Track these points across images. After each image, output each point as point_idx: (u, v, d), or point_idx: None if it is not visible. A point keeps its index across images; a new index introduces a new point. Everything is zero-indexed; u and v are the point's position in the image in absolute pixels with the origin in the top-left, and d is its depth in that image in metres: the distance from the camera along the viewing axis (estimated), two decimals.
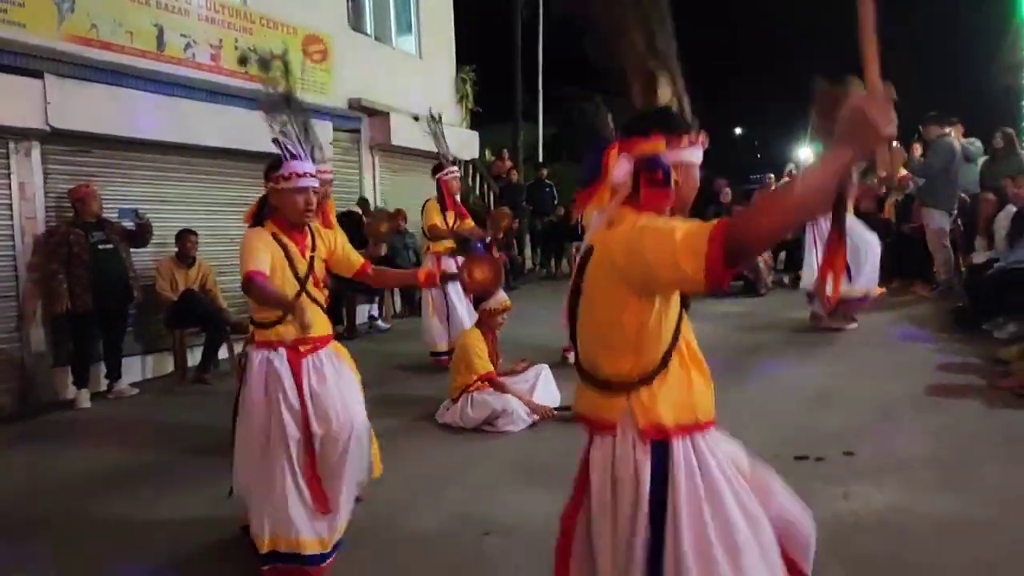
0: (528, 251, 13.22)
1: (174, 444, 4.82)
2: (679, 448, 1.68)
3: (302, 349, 3.01)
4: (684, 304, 1.78)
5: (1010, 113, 12.77)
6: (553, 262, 13.08)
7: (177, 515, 3.64)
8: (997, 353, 5.50)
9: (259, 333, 3.02)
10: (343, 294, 8.44)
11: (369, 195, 9.62)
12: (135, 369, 6.65)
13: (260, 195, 3.24)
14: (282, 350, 2.98)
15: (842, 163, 1.39)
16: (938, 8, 18.54)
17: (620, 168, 1.72)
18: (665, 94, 1.76)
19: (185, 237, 6.67)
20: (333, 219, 4.43)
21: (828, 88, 1.66)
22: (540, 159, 15.79)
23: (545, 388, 4.95)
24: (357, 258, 3.54)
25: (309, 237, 3.17)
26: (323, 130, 8.40)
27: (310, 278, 3.15)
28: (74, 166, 6.37)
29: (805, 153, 14.45)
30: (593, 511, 1.77)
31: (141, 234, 6.33)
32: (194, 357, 6.71)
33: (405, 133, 9.94)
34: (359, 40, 9.79)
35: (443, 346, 6.36)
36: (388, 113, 9.69)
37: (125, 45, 6.61)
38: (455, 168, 6.53)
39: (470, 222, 6.52)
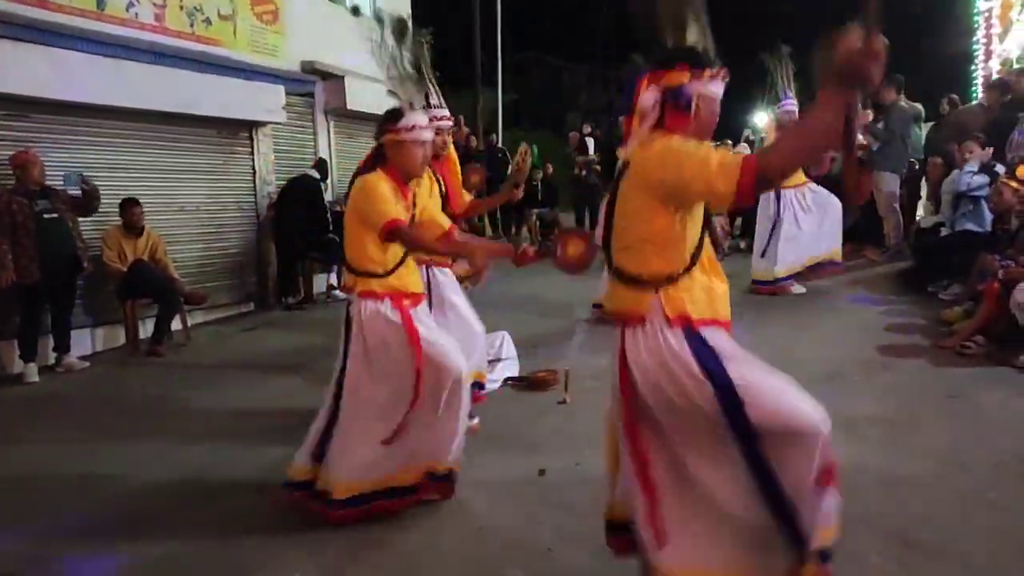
0: (487, 219, 13.15)
1: (127, 418, 4.72)
2: (710, 332, 1.95)
3: (406, 303, 3.03)
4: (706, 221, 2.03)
5: (957, 79, 13.06)
6: (513, 229, 13.04)
7: (131, 488, 3.58)
8: (941, 314, 5.71)
9: (366, 283, 3.00)
10: (299, 261, 8.33)
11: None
12: (85, 342, 6.46)
13: (372, 147, 3.19)
14: (388, 301, 2.99)
15: (839, 103, 1.64)
16: None
17: (648, 96, 1.95)
18: (693, 35, 1.96)
19: (129, 207, 6.45)
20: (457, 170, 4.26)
21: (830, 39, 1.76)
22: (499, 125, 15.65)
23: (507, 354, 4.96)
24: (444, 221, 3.48)
25: (411, 193, 3.16)
26: (275, 94, 8.18)
27: None
28: (12, 131, 6.07)
29: (761, 119, 14.62)
30: (642, 395, 1.96)
31: (87, 201, 6.09)
32: (146, 329, 6.56)
33: (361, 97, 9.71)
34: (311, 1, 9.48)
35: None
36: (343, 77, 9.45)
37: (63, 4, 6.28)
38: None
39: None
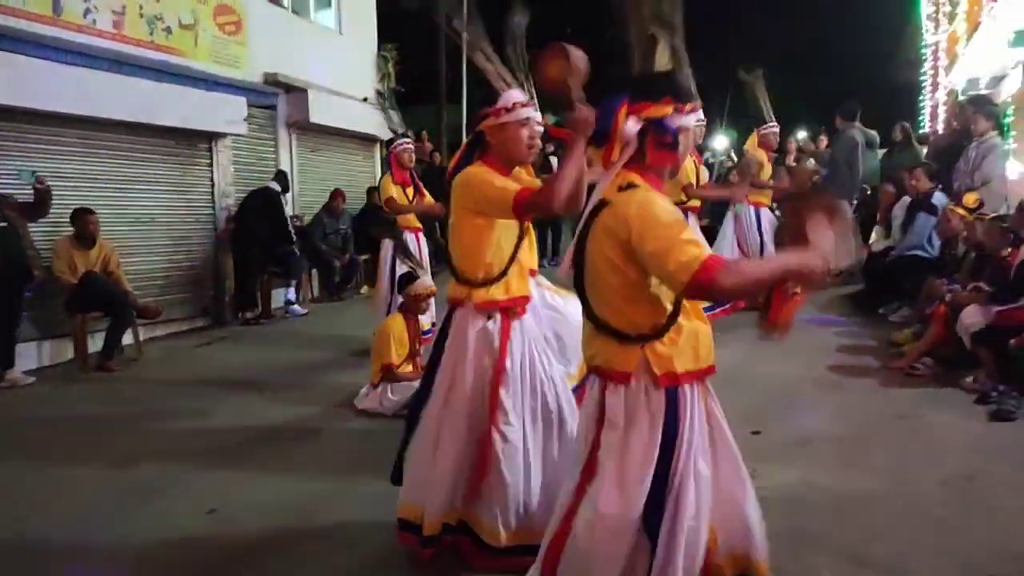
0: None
1: (70, 436, 4.56)
2: (687, 391, 1.88)
3: (509, 315, 2.71)
4: None
5: (908, 108, 13.56)
6: None
7: (74, 509, 3.45)
8: (891, 336, 5.87)
9: (470, 293, 2.67)
10: (258, 275, 8.19)
11: (287, 175, 9.28)
12: (31, 356, 6.24)
13: (468, 139, 2.92)
14: (496, 313, 2.68)
15: (784, 278, 1.78)
16: (840, 7, 19.55)
17: (630, 126, 1.85)
18: (663, 58, 1.90)
19: (83, 217, 6.27)
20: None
21: (796, 205, 1.91)
22: (463, 140, 15.67)
23: None
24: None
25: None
26: (236, 105, 8.08)
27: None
28: None
29: (720, 142, 14.93)
30: (603, 446, 1.90)
31: (39, 202, 5.87)
32: (96, 343, 6.36)
33: (324, 110, 9.66)
34: (275, 12, 9.42)
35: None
36: (306, 89, 9.39)
37: (17, 8, 6.13)
38: (407, 140, 6.11)
39: (429, 197, 6.09)
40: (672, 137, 1.85)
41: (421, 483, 2.72)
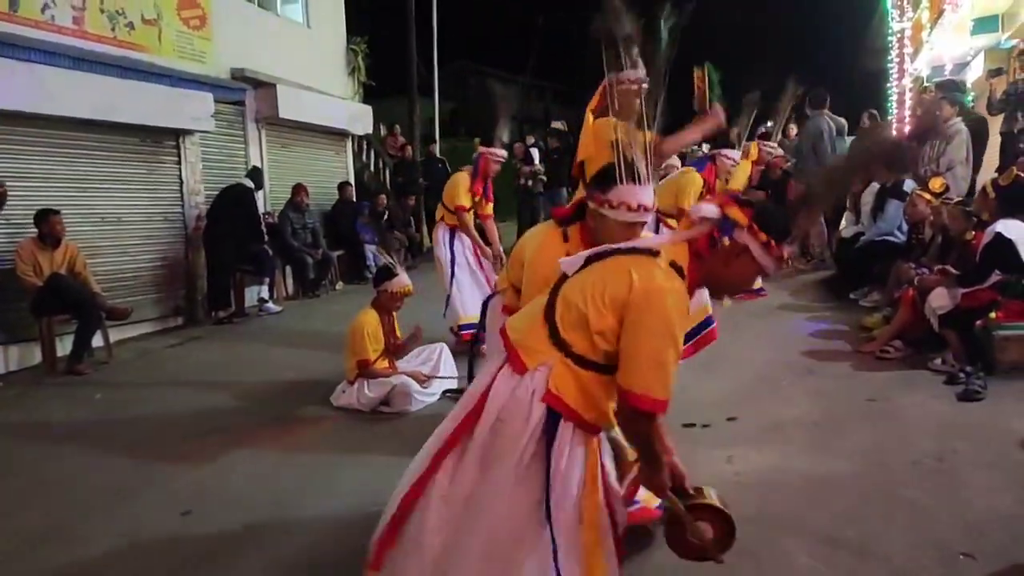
0: (425, 229, 13.04)
1: (38, 442, 4.47)
2: (568, 428, 1.85)
3: None
4: None
5: (876, 95, 13.73)
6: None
7: (45, 514, 3.39)
8: (862, 321, 5.96)
9: None
10: (231, 274, 8.08)
11: None
12: None
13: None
14: None
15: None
16: None
17: (710, 208, 1.85)
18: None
19: (49, 218, 6.12)
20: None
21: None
22: (436, 135, 15.58)
23: (446, 368, 4.93)
24: None
25: None
26: (202, 101, 7.95)
27: None
28: None
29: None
30: (475, 437, 1.92)
31: None
32: (64, 346, 6.23)
33: (294, 105, 9.54)
34: (241, 6, 9.25)
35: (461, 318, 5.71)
36: (275, 85, 9.26)
37: None
38: (503, 152, 5.71)
39: (490, 207, 5.85)
40: (729, 237, 1.82)
41: None
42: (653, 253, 1.83)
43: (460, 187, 5.62)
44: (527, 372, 1.86)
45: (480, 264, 5.82)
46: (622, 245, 1.93)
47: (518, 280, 2.66)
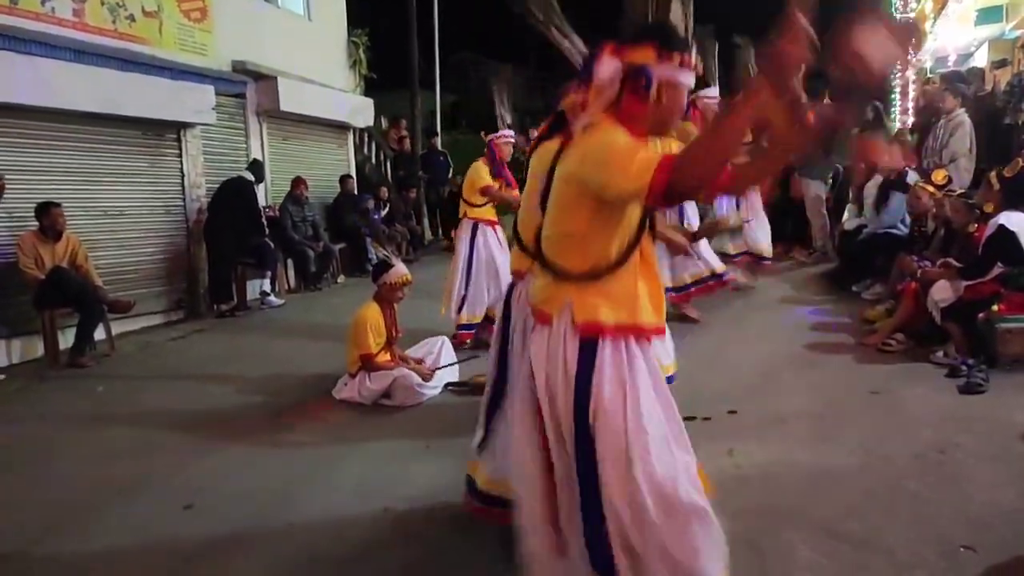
0: (426, 222, 13.05)
1: (42, 434, 4.48)
2: (606, 348, 1.81)
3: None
4: (650, 222, 1.91)
5: (879, 87, 13.67)
6: (453, 232, 12.93)
7: (47, 508, 3.40)
8: (864, 313, 5.95)
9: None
10: (232, 267, 8.09)
11: None
12: None
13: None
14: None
15: (752, 102, 1.55)
16: None
17: (606, 68, 1.76)
18: (677, 13, 1.81)
19: (50, 211, 6.12)
20: None
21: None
22: (438, 127, 15.55)
23: (447, 360, 4.94)
24: None
25: None
26: (203, 94, 7.93)
27: None
28: None
29: None
30: (521, 394, 1.92)
31: None
32: (67, 339, 6.24)
33: (295, 98, 9.52)
34: None
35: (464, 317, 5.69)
36: (275, 77, 9.24)
37: None
38: (510, 133, 5.67)
39: (516, 192, 5.67)
40: (646, 81, 1.74)
41: None
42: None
43: (480, 173, 5.57)
44: (553, 319, 1.86)
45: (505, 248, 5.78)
46: (554, 154, 1.92)
47: (522, 262, 2.68)
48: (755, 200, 7.04)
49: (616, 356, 1.82)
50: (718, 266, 6.15)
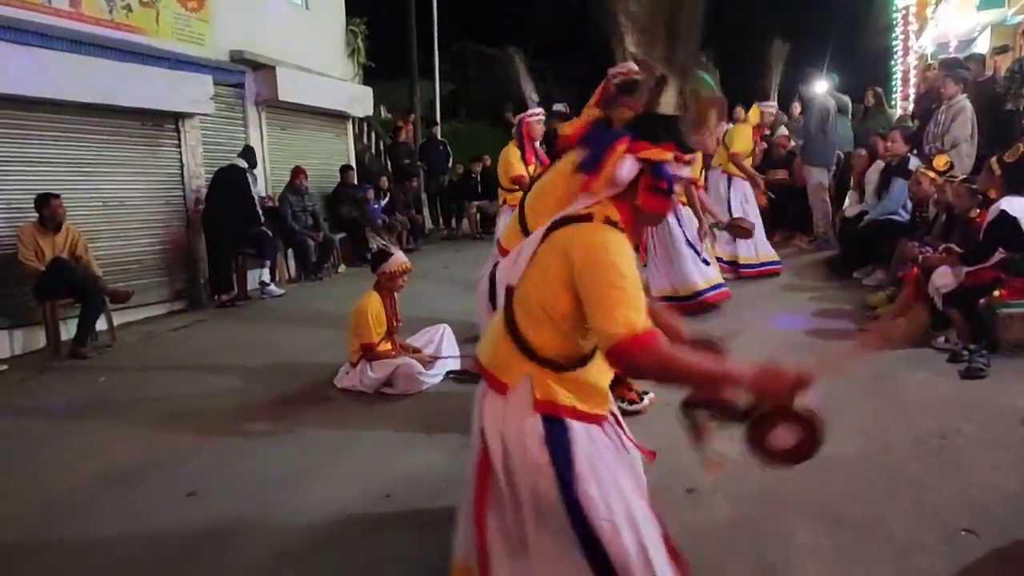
0: (426, 211, 13.02)
1: (44, 424, 4.49)
2: (572, 425, 1.78)
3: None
4: None
5: (880, 73, 13.61)
6: (453, 222, 12.93)
7: (50, 497, 3.41)
8: (866, 299, 5.94)
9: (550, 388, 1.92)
10: (232, 256, 8.08)
11: (257, 154, 9.06)
12: (1, 345, 6.13)
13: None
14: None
15: (706, 383, 1.73)
16: None
17: (626, 167, 1.74)
18: (669, 102, 1.78)
19: (50, 202, 6.11)
20: None
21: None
22: (438, 116, 15.49)
23: (449, 349, 4.94)
24: None
25: None
26: (201, 84, 7.90)
27: None
28: None
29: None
30: (494, 467, 1.82)
31: None
32: (68, 330, 6.25)
33: (293, 88, 9.48)
34: None
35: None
36: (274, 67, 9.20)
37: None
38: (540, 111, 5.46)
39: None
40: (668, 184, 1.76)
41: None
42: (585, 219, 1.76)
43: (511, 159, 5.41)
44: (509, 390, 1.79)
45: None
46: (551, 221, 1.84)
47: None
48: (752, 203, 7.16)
49: (583, 434, 1.79)
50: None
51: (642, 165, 1.75)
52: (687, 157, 1.79)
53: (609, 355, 1.63)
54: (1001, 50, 8.58)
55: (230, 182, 7.95)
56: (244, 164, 8.19)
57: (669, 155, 1.75)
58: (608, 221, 1.73)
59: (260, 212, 8.24)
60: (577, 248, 1.71)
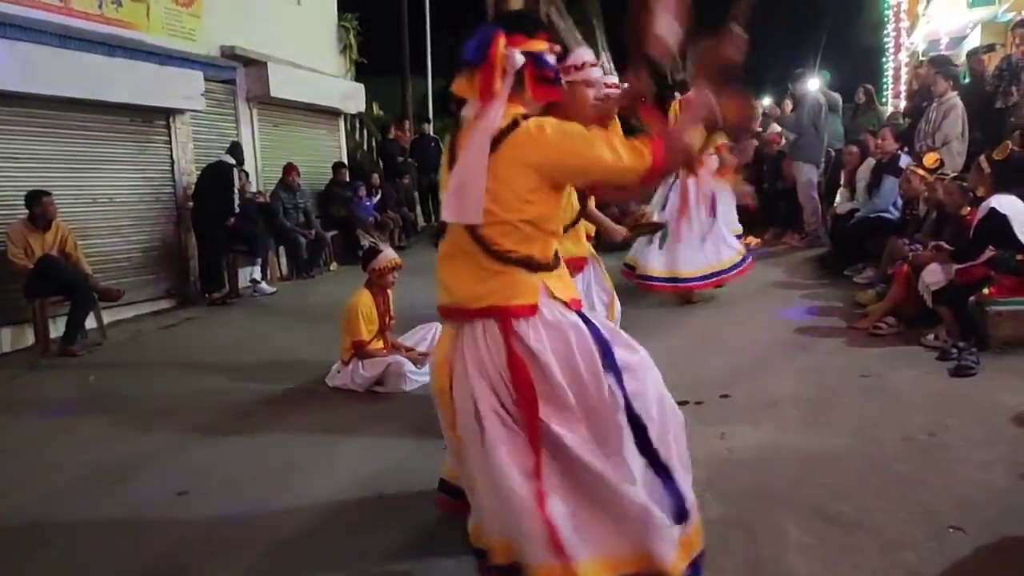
0: (418, 209, 12.98)
1: (34, 422, 4.47)
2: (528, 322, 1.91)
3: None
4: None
5: (871, 70, 13.66)
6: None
7: (38, 497, 3.39)
8: (856, 297, 5.97)
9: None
10: (223, 254, 8.04)
11: (248, 151, 9.06)
12: None
13: None
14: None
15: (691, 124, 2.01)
16: None
17: (516, 58, 1.84)
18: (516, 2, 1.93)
19: (41, 200, 6.07)
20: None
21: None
22: (430, 113, 15.46)
23: None
24: None
25: None
26: (192, 80, 7.85)
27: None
28: None
29: None
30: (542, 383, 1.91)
31: None
32: (57, 328, 6.21)
33: (285, 84, 9.44)
34: None
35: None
36: (265, 63, 9.16)
37: None
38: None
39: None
40: (554, 73, 1.88)
41: None
42: (512, 127, 1.83)
43: None
44: (535, 309, 1.90)
45: None
46: (477, 147, 1.86)
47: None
48: (722, 198, 6.38)
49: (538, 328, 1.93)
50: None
51: (525, 58, 1.86)
52: (558, 48, 1.94)
53: (651, 176, 1.84)
54: (988, 49, 8.61)
55: (215, 178, 7.90)
56: (231, 161, 8.14)
57: (544, 45, 1.88)
58: (525, 117, 1.85)
59: (236, 204, 7.99)
60: (534, 153, 1.80)
